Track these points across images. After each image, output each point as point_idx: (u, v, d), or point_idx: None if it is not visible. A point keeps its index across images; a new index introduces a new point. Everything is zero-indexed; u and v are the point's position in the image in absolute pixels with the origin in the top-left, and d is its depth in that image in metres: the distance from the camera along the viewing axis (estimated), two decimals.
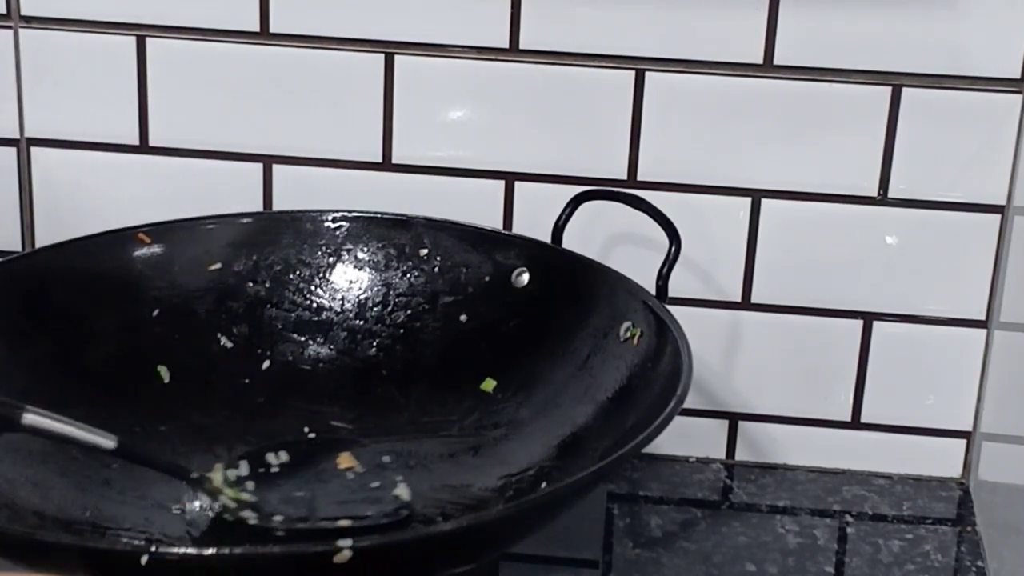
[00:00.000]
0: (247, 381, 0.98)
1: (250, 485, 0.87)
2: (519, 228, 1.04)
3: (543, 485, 0.88)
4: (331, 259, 1.01)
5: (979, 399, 1.05)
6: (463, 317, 0.99)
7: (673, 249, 0.93)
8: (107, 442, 0.81)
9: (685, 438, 1.07)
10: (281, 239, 1.01)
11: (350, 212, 1.02)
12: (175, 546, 0.79)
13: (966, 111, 1.00)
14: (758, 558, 0.97)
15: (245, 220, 1.02)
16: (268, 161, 1.06)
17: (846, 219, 1.03)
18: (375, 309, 1.00)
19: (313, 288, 1.01)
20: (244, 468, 0.88)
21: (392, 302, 1.00)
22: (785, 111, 1.01)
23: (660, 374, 0.87)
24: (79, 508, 0.86)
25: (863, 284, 1.04)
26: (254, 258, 1.01)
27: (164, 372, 0.96)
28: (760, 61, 1.01)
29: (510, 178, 1.05)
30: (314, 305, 1.01)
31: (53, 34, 1.05)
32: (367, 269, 1.01)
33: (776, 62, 1.00)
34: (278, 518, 0.84)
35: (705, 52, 1.01)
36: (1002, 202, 1.01)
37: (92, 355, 0.95)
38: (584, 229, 1.01)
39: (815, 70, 1.00)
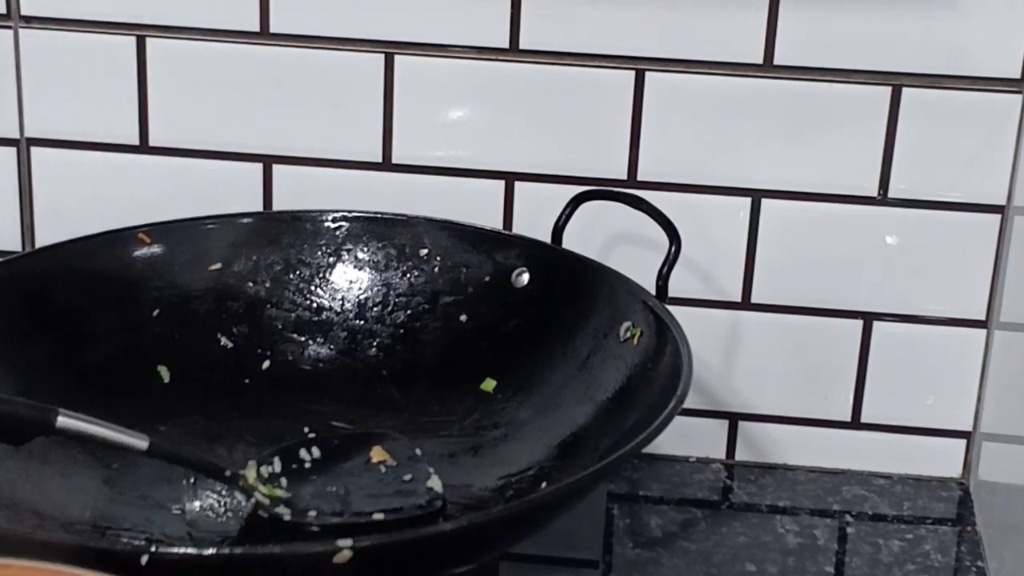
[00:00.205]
0: (247, 381, 0.98)
1: (283, 481, 0.87)
2: (519, 228, 1.04)
3: (543, 485, 0.88)
4: (331, 259, 1.01)
5: (979, 399, 1.05)
6: (463, 317, 0.99)
7: (673, 249, 0.93)
8: (139, 443, 0.81)
9: (685, 438, 1.07)
10: (281, 239, 1.01)
11: (350, 212, 1.02)
12: (175, 546, 0.78)
13: (966, 111, 1.00)
14: (758, 558, 0.97)
15: (245, 220, 1.02)
16: (268, 161, 1.06)
17: (846, 219, 1.03)
18: (375, 309, 1.00)
19: (313, 288, 1.01)
20: (277, 464, 0.88)
21: (392, 302, 1.00)
22: (785, 111, 1.01)
23: (660, 374, 0.87)
24: (79, 508, 0.86)
25: (863, 284, 1.04)
26: (254, 258, 1.01)
27: (164, 372, 0.96)
28: (760, 61, 1.01)
29: (510, 178, 1.05)
30: (314, 305, 1.01)
31: (53, 34, 1.05)
32: (367, 269, 1.01)
33: (776, 62, 1.00)
34: (312, 513, 0.84)
35: (705, 52, 1.01)
36: (1002, 202, 1.01)
37: (92, 355, 0.95)
38: (584, 229, 1.01)
39: (815, 70, 1.00)
